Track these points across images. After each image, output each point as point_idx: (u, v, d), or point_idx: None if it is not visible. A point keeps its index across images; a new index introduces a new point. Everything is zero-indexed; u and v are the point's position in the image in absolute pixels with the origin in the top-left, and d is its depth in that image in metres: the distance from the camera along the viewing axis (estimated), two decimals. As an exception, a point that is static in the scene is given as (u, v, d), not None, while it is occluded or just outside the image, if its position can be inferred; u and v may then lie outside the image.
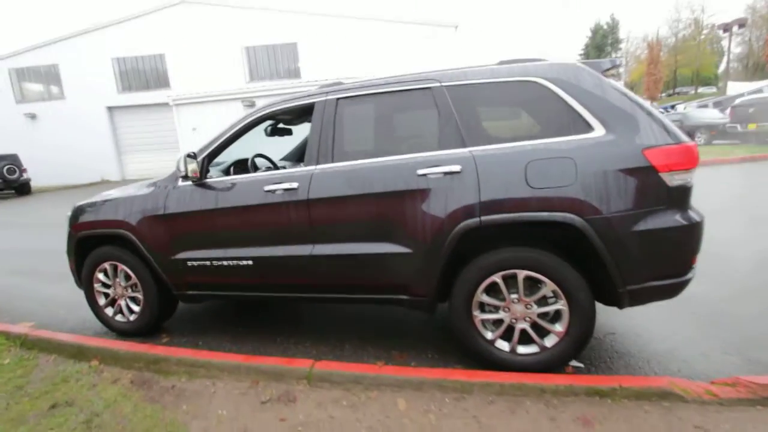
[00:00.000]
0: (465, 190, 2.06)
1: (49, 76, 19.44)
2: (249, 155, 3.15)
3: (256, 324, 3.14)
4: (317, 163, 2.38)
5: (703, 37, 42.72)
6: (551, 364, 2.12)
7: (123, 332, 3.01)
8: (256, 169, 3.05)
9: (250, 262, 2.52)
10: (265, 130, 3.25)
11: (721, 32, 20.07)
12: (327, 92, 2.46)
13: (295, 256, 2.41)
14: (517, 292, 2.11)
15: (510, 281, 2.13)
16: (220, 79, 17.73)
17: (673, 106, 22.63)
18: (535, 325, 2.14)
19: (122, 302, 3.00)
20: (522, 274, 2.07)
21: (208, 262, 2.62)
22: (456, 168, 2.08)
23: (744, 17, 21.52)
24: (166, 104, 16.23)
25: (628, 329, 2.63)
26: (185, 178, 2.61)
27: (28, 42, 19.28)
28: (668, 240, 1.93)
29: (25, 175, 15.55)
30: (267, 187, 2.42)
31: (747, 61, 38.93)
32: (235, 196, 2.52)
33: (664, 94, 40.81)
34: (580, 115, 2.00)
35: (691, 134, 12.36)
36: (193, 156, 2.55)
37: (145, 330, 2.97)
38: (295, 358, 2.40)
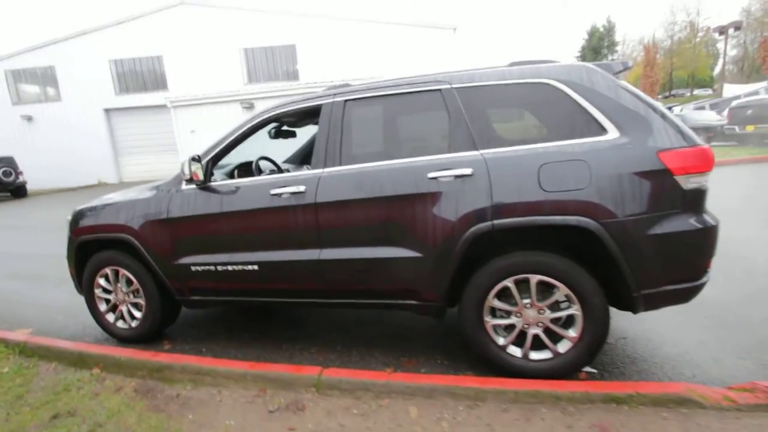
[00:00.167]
0: (477, 193, 2.03)
1: (46, 77, 19.30)
2: (250, 158, 3.11)
3: (260, 330, 3.09)
4: (325, 166, 2.34)
5: (698, 39, 43.03)
6: (565, 370, 2.08)
7: (124, 339, 2.96)
8: (260, 172, 3.01)
9: (256, 267, 2.47)
10: (269, 132, 3.22)
11: (716, 35, 20.20)
12: (334, 94, 2.42)
13: (302, 261, 2.37)
14: (530, 297, 2.08)
15: (522, 286, 2.09)
16: (218, 80, 17.67)
17: (669, 108, 22.76)
18: (547, 331, 2.10)
19: (124, 308, 2.94)
20: (535, 278, 2.03)
21: (212, 267, 2.58)
22: (467, 171, 2.05)
23: (739, 20, 21.68)
24: (163, 106, 16.11)
25: (639, 333, 2.60)
26: (189, 181, 2.56)
27: (25, 43, 19.19)
28: (683, 244, 1.91)
29: (21, 178, 15.40)
30: (273, 191, 2.38)
31: (742, 63, 39.24)
32: (240, 199, 2.47)
33: (660, 97, 41.04)
34: (593, 118, 1.97)
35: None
36: (197, 159, 2.50)
37: (147, 336, 2.91)
38: (303, 366, 2.35)
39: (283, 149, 3.64)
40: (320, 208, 2.29)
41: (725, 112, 12.70)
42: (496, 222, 2.00)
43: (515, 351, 2.15)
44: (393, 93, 2.31)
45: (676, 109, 20.74)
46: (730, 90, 20.97)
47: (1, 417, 2.16)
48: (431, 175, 2.11)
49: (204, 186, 2.58)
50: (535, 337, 2.11)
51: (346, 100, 2.38)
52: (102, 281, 2.94)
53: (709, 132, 13.05)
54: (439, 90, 2.21)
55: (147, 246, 2.68)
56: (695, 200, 1.91)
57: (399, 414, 1.93)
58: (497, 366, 2.16)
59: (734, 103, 12.33)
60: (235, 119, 14.18)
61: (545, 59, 2.24)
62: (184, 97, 15.33)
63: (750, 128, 10.74)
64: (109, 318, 2.99)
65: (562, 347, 2.09)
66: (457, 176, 2.07)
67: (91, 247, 2.95)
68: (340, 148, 2.33)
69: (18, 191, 15.51)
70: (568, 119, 2.00)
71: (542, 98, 2.06)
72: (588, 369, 2.21)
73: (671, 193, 1.88)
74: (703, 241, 1.92)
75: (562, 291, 2.01)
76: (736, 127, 11.28)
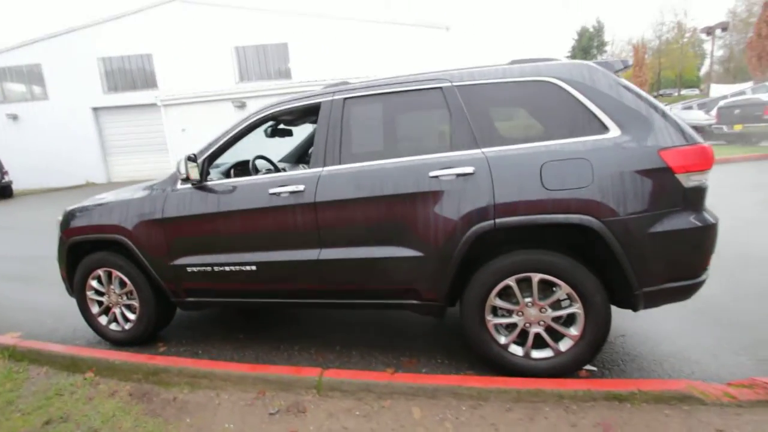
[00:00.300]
0: (479, 192, 2.01)
1: (32, 75, 18.89)
2: (246, 157, 3.06)
3: (257, 331, 3.05)
4: (324, 164, 2.31)
5: (685, 40, 43.68)
6: (566, 368, 2.08)
7: (118, 341, 2.89)
8: (256, 171, 2.97)
9: (254, 268, 2.44)
10: (266, 131, 3.17)
11: (704, 35, 20.52)
12: (333, 92, 2.39)
13: (301, 261, 2.34)
14: (531, 296, 2.08)
15: (523, 284, 2.09)
16: (209, 79, 17.46)
17: (658, 108, 22.89)
18: (549, 329, 2.10)
19: (117, 310, 2.88)
20: (537, 277, 2.03)
21: (209, 268, 2.53)
22: (469, 170, 2.04)
23: (726, 21, 22.05)
24: (153, 105, 15.89)
25: (637, 331, 2.62)
26: (185, 180, 2.51)
27: (10, 40, 18.78)
28: (684, 242, 1.92)
29: (6, 178, 15.07)
30: (272, 190, 2.34)
31: (728, 64, 39.92)
32: (237, 199, 2.43)
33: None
34: (595, 116, 1.97)
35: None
36: (193, 158, 2.46)
37: (141, 339, 2.85)
38: (303, 367, 2.32)
39: (276, 149, 3.58)
40: (320, 207, 2.26)
41: (713, 112, 12.90)
42: (498, 220, 1.99)
43: (516, 350, 2.15)
44: (393, 91, 2.28)
45: (665, 109, 20.91)
46: (717, 90, 21.31)
47: (-9, 424, 2.10)
48: (432, 173, 2.09)
49: (200, 185, 2.53)
50: (537, 335, 2.11)
51: (345, 98, 2.35)
52: (94, 283, 2.87)
53: (697, 131, 13.21)
54: (440, 88, 2.19)
55: (141, 247, 2.63)
56: (696, 198, 1.92)
57: (402, 415, 1.92)
58: (499, 365, 2.16)
59: (722, 103, 12.53)
60: (227, 118, 14.04)
61: (546, 57, 2.23)
62: (175, 96, 15.14)
63: (738, 127, 10.93)
64: (101, 320, 2.93)
65: (564, 345, 2.09)
66: (458, 175, 2.05)
67: (83, 248, 2.88)
68: (340, 147, 2.30)
69: (3, 191, 15.16)
70: (569, 117, 2.00)
71: (544, 96, 2.05)
72: (588, 367, 2.22)
73: (672, 191, 1.88)
74: (704, 238, 1.93)
75: (564, 290, 2.01)
76: (725, 127, 11.46)
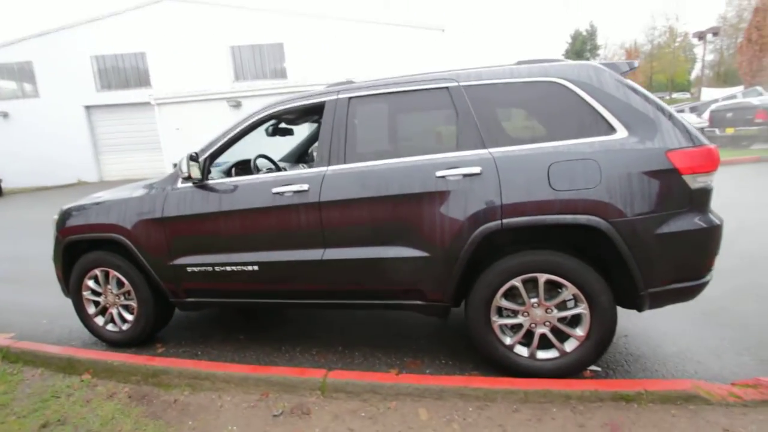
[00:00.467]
0: (486, 192, 2.00)
1: (23, 73, 18.61)
2: (245, 156, 3.02)
3: (258, 332, 3.02)
4: (329, 164, 2.28)
5: (677, 44, 44.24)
6: (572, 368, 2.08)
7: (115, 343, 2.84)
8: (257, 170, 2.94)
9: (256, 268, 2.40)
10: (266, 130, 3.13)
11: (696, 40, 20.79)
12: (338, 91, 2.37)
13: (304, 261, 2.31)
14: (537, 296, 2.07)
15: (528, 285, 2.08)
16: (203, 78, 17.33)
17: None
18: (554, 330, 2.10)
19: (114, 311, 2.83)
20: (543, 277, 2.02)
21: (209, 268, 2.49)
22: (476, 170, 2.03)
23: (717, 26, 22.37)
24: (147, 103, 15.73)
25: (639, 331, 2.62)
26: (186, 179, 2.47)
27: (0, 38, 18.45)
28: (690, 243, 1.92)
29: (-5, 177, 14.82)
30: (275, 189, 2.32)
31: (719, 68, 40.49)
32: (240, 198, 2.40)
33: (641, 100, 41.74)
34: (602, 117, 1.97)
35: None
36: (194, 157, 2.42)
37: (138, 340, 2.81)
38: (307, 368, 2.29)
39: (269, 148, 3.52)
40: (324, 206, 2.24)
41: (705, 115, 13.06)
42: (505, 221, 1.98)
43: (522, 350, 2.14)
44: (399, 90, 2.27)
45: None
46: (708, 94, 21.59)
47: (-15, 427, 2.04)
48: (439, 173, 2.08)
49: (201, 184, 2.49)
50: (542, 336, 2.10)
51: (350, 97, 2.33)
52: (91, 283, 2.82)
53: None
54: (447, 88, 2.18)
55: (140, 246, 2.58)
56: (702, 199, 1.93)
57: (408, 416, 1.90)
58: (504, 366, 2.15)
59: (714, 107, 12.69)
60: (222, 117, 13.96)
61: (552, 58, 2.23)
62: (169, 95, 15.01)
63: (730, 131, 11.08)
64: (98, 321, 2.87)
65: (569, 346, 2.08)
66: (465, 175, 2.04)
67: (80, 248, 2.82)
68: (345, 146, 2.28)
69: (-7, 190, 14.91)
70: (576, 118, 2.00)
71: (551, 97, 2.05)
72: (593, 368, 2.22)
73: (679, 192, 1.89)
74: (709, 239, 1.94)
75: (570, 290, 2.01)
76: (717, 130, 11.60)
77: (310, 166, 2.33)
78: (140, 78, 18.51)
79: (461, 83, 2.16)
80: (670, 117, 1.95)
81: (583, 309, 2.02)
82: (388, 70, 14.77)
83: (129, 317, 2.80)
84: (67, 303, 2.99)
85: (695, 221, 1.91)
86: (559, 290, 2.05)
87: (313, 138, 3.69)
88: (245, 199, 2.39)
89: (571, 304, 2.07)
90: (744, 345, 2.37)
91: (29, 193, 15.98)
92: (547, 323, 2.09)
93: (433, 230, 2.10)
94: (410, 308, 2.30)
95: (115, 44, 18.11)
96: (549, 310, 2.07)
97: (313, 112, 2.84)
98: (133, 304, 2.75)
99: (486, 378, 2.09)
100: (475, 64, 2.34)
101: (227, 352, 2.73)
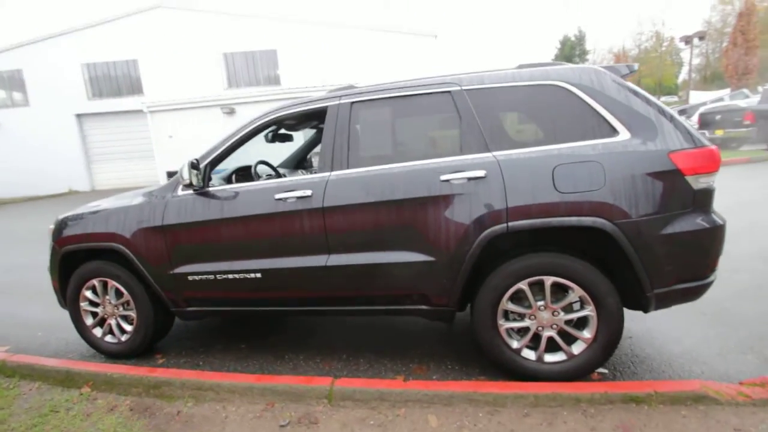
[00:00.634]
0: (491, 195, 2.00)
1: (13, 81, 18.40)
2: (244, 162, 3.00)
3: (259, 340, 2.98)
4: (332, 169, 2.27)
5: (663, 48, 45.03)
6: (580, 371, 2.07)
7: (114, 354, 2.79)
8: (258, 176, 2.91)
9: (259, 275, 2.38)
10: (266, 136, 3.12)
11: (682, 44, 21.18)
12: (340, 96, 2.36)
13: (308, 268, 2.29)
14: (544, 299, 2.07)
15: (535, 288, 2.08)
16: (196, 85, 17.25)
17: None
18: (561, 332, 2.09)
19: (113, 321, 2.78)
20: (549, 280, 2.02)
21: (211, 276, 2.46)
22: (481, 173, 2.03)
23: (703, 30, 22.84)
24: (139, 111, 15.60)
25: (643, 332, 2.63)
26: (187, 186, 2.45)
27: (-12, 46, 18.26)
28: (694, 243, 1.93)
29: (-16, 187, 14.57)
30: (278, 195, 2.30)
31: (705, 71, 41.25)
32: (242, 204, 2.37)
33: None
34: (604, 119, 1.99)
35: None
36: (195, 164, 2.39)
37: (138, 351, 2.75)
38: (313, 377, 2.26)
39: (265, 154, 3.49)
40: (328, 212, 2.22)
41: (694, 118, 13.27)
42: (511, 224, 1.98)
43: (529, 354, 2.13)
44: (401, 95, 2.27)
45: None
46: (696, 97, 21.96)
47: (-18, 444, 1.98)
48: (444, 177, 2.07)
49: (202, 191, 2.47)
50: (549, 339, 2.10)
51: (352, 102, 2.32)
52: (89, 294, 2.77)
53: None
54: (449, 92, 2.18)
55: (140, 255, 2.54)
56: (704, 200, 1.95)
57: (418, 423, 1.87)
58: (511, 369, 2.14)
59: (703, 109, 12.91)
60: (215, 124, 13.89)
61: (553, 62, 2.25)
62: (162, 102, 14.90)
63: (719, 132, 11.27)
64: (96, 332, 2.82)
65: (577, 349, 2.08)
66: (470, 178, 2.04)
67: (77, 258, 2.77)
68: (348, 151, 2.27)
69: (-19, 201, 14.65)
70: (579, 121, 2.01)
71: (553, 100, 2.06)
72: (600, 370, 2.21)
73: (682, 193, 1.90)
74: (713, 239, 1.96)
75: (576, 292, 2.01)
76: (706, 132, 11.79)
77: (309, 172, 2.32)
78: (132, 86, 18.40)
79: (464, 87, 2.17)
80: (671, 119, 1.97)
81: (589, 311, 2.02)
82: (381, 76, 14.83)
83: (128, 328, 2.74)
84: (63, 314, 2.93)
85: (699, 222, 1.93)
86: (566, 293, 2.05)
87: (311, 144, 3.68)
88: (247, 205, 2.36)
89: (577, 306, 2.07)
90: (748, 344, 2.39)
91: (20, 203, 15.74)
92: (554, 326, 2.08)
93: (438, 234, 2.09)
94: (415, 313, 2.28)
95: (106, 52, 17.99)
96: (556, 313, 2.07)
97: (314, 118, 2.83)
98: (133, 314, 2.70)
99: (495, 383, 2.07)
100: (467, 70, 2.35)
101: (229, 361, 2.69)
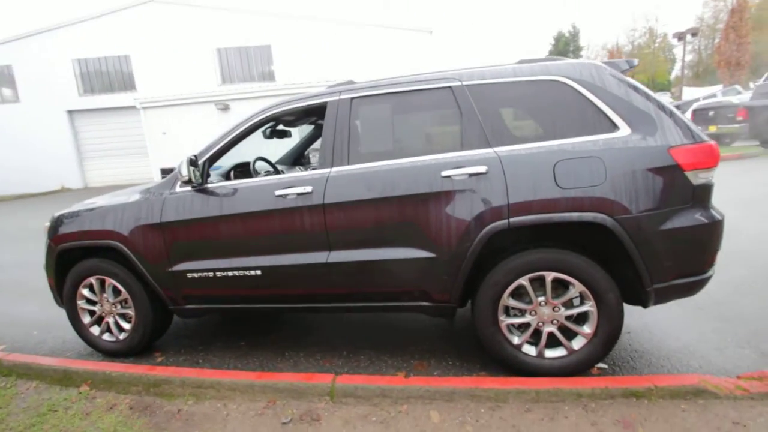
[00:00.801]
0: (492, 191, 2.00)
1: (2, 77, 18.08)
2: (241, 158, 2.98)
3: (259, 337, 2.97)
4: (332, 165, 2.26)
5: (656, 45, 45.27)
6: (580, 366, 2.08)
7: (111, 353, 2.76)
8: (257, 173, 2.89)
9: (259, 272, 2.36)
10: (264, 132, 3.09)
11: (676, 40, 21.29)
12: (340, 92, 2.35)
13: (309, 264, 2.28)
14: (545, 295, 2.07)
15: (535, 283, 2.08)
16: (190, 81, 17.06)
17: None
18: (561, 328, 2.10)
19: (110, 320, 2.75)
20: (550, 276, 2.03)
21: (210, 274, 2.44)
22: (482, 169, 2.03)
23: (696, 27, 22.96)
24: (132, 107, 15.42)
25: (641, 327, 2.65)
26: (186, 183, 2.42)
27: (-24, 41, 17.91)
28: (693, 238, 1.95)
29: (-26, 184, 14.35)
30: (278, 192, 2.28)
31: (697, 68, 41.54)
32: (241, 201, 2.36)
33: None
34: (605, 115, 1.99)
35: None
36: (194, 160, 2.37)
37: (136, 349, 2.73)
38: (314, 373, 2.26)
39: (260, 150, 3.46)
40: (328, 209, 2.21)
41: (688, 114, 13.36)
42: (512, 219, 1.98)
43: (530, 350, 2.14)
44: (401, 90, 2.26)
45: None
46: (689, 93, 22.11)
47: (-20, 445, 1.96)
48: (445, 173, 2.07)
49: (201, 188, 2.44)
50: (550, 334, 2.11)
51: (352, 98, 2.31)
52: (86, 292, 2.74)
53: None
54: (450, 87, 2.17)
55: (138, 253, 2.52)
56: (704, 195, 1.96)
57: (420, 420, 1.88)
58: (512, 365, 2.15)
59: (696, 105, 12.98)
60: (209, 120, 13.77)
61: (553, 57, 2.25)
62: (155, 98, 14.74)
63: (713, 128, 11.36)
64: (93, 331, 2.79)
65: (577, 344, 2.09)
66: (471, 174, 2.04)
67: (73, 256, 2.74)
68: (348, 147, 2.26)
69: (-29, 198, 14.43)
70: (580, 116, 2.01)
71: (554, 96, 2.06)
72: (600, 365, 2.23)
73: (682, 188, 1.91)
74: (712, 234, 1.97)
75: (577, 288, 2.02)
76: (700, 128, 11.86)
77: (306, 169, 2.30)
78: (125, 81, 18.16)
79: (464, 82, 2.16)
80: (671, 114, 1.98)
81: (590, 306, 2.03)
82: (377, 71, 14.77)
83: (126, 326, 2.72)
84: (59, 313, 2.90)
85: (698, 217, 1.94)
86: (566, 288, 2.06)
87: (309, 140, 3.66)
88: (247, 202, 2.35)
89: (577, 301, 2.08)
90: (745, 338, 2.42)
91: (10, 201, 15.52)
92: (555, 321, 2.09)
93: (440, 230, 2.09)
94: (416, 310, 2.28)
95: (98, 47, 17.72)
96: (556, 309, 2.07)
97: (313, 114, 2.81)
98: (131, 312, 2.68)
99: (496, 378, 2.08)
100: (462, 65, 2.34)
101: (229, 359, 2.68)
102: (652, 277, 1.96)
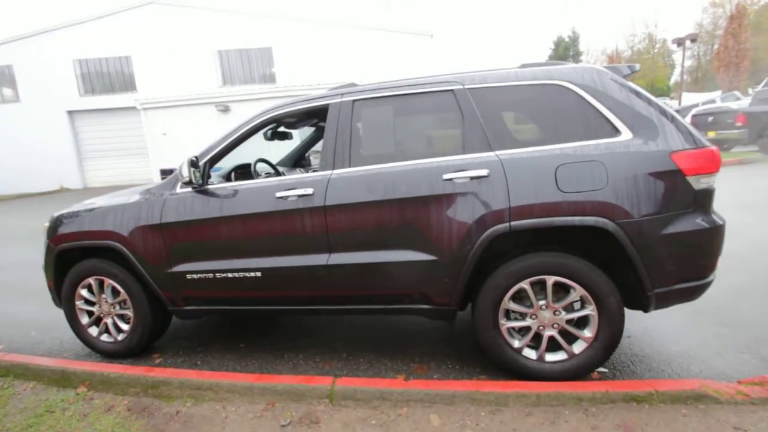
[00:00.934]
0: (493, 194, 2.00)
1: (3, 77, 18.11)
2: (241, 160, 2.97)
3: (258, 339, 2.95)
4: (333, 167, 2.26)
5: (656, 50, 45.47)
6: (581, 370, 2.08)
7: (110, 354, 2.75)
8: (258, 174, 2.89)
9: (259, 274, 2.36)
10: (265, 134, 3.10)
11: (675, 46, 21.40)
12: (342, 94, 2.35)
13: (309, 266, 2.27)
14: (545, 299, 2.07)
15: (536, 287, 2.08)
16: (191, 82, 17.09)
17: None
18: (562, 332, 2.10)
19: (109, 320, 2.74)
20: (551, 279, 2.02)
21: (210, 275, 2.43)
22: (483, 172, 2.03)
23: (695, 32, 23.09)
24: (132, 108, 15.44)
25: (641, 331, 2.65)
26: (186, 184, 2.42)
27: (-23, 41, 17.94)
28: (695, 243, 1.95)
29: (-27, 184, 14.33)
30: (279, 194, 2.28)
31: (696, 73, 41.73)
32: (242, 203, 2.35)
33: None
34: (606, 119, 1.99)
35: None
36: (195, 161, 2.37)
37: (134, 350, 2.72)
38: (313, 376, 2.25)
39: (260, 152, 3.46)
40: (329, 211, 2.21)
41: (687, 119, 13.40)
42: (513, 223, 1.98)
43: (530, 353, 2.14)
44: (403, 93, 2.26)
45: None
46: (688, 98, 22.20)
47: (-24, 446, 1.94)
48: (446, 176, 2.07)
49: (202, 189, 2.44)
50: (550, 338, 2.10)
51: (354, 100, 2.31)
52: (84, 292, 2.73)
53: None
54: (452, 90, 2.18)
55: (137, 253, 2.51)
56: (705, 200, 1.96)
57: (420, 423, 1.87)
58: (512, 369, 2.14)
59: (695, 111, 13.03)
60: (210, 122, 13.79)
61: (555, 61, 2.25)
62: (156, 99, 14.76)
63: (712, 134, 11.38)
64: (91, 332, 2.78)
65: (578, 348, 2.09)
66: (472, 177, 2.04)
67: (72, 256, 2.73)
68: (350, 150, 2.26)
69: (-30, 198, 14.40)
70: (581, 121, 2.02)
71: (556, 100, 2.06)
72: (600, 369, 2.22)
73: (684, 193, 1.92)
74: (713, 239, 1.97)
75: (578, 292, 2.01)
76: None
77: (307, 171, 2.30)
78: (125, 82, 18.19)
79: (466, 86, 2.16)
80: (673, 119, 1.98)
81: (591, 310, 2.03)
82: (377, 75, 14.82)
83: (125, 327, 2.71)
84: (57, 313, 2.89)
85: (700, 222, 1.94)
86: (567, 292, 2.05)
87: (310, 142, 3.66)
88: (247, 203, 2.34)
89: (578, 305, 2.08)
90: (745, 343, 2.41)
91: (9, 200, 15.50)
92: (555, 325, 2.09)
93: (441, 233, 2.08)
94: (417, 312, 2.27)
95: (99, 48, 17.77)
96: (557, 312, 2.07)
97: (315, 116, 2.81)
98: (129, 313, 2.67)
99: (497, 382, 2.08)
100: (462, 69, 2.35)
101: (228, 361, 2.66)
102: (654, 282, 1.96)
